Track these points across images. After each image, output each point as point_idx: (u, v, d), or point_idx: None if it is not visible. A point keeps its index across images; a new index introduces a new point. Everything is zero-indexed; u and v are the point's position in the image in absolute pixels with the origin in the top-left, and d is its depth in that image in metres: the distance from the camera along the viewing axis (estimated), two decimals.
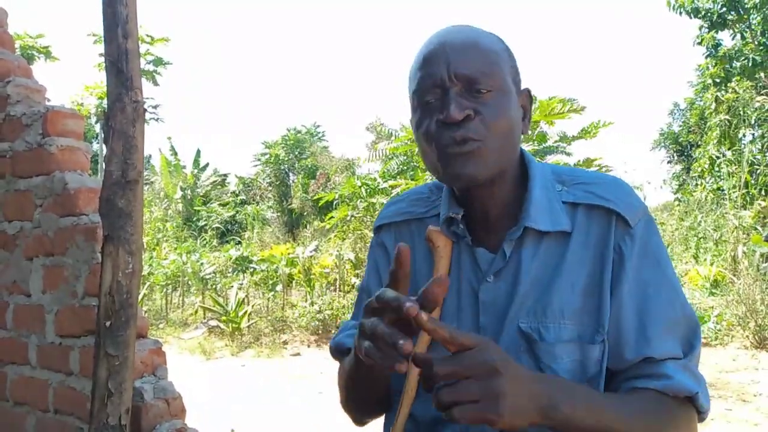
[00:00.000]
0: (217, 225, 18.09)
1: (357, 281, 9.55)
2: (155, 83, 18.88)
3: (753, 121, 11.69)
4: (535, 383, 0.76)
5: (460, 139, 0.86)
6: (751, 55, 13.65)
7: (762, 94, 12.04)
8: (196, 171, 20.91)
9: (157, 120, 19.82)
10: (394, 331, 0.71)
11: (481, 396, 0.71)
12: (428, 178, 8.84)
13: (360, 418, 1.08)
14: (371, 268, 1.09)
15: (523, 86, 0.96)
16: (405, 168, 10.43)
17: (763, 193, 9.63)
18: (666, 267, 0.92)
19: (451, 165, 0.88)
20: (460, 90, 0.87)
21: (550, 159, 8.53)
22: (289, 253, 10.35)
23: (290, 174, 21.44)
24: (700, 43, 14.62)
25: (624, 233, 0.90)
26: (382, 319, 0.73)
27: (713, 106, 12.94)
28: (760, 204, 8.49)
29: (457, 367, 0.72)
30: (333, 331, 8.18)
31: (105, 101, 1.86)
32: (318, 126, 23.19)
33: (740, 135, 11.68)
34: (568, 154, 8.98)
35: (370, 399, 1.02)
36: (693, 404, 0.89)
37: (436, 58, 0.88)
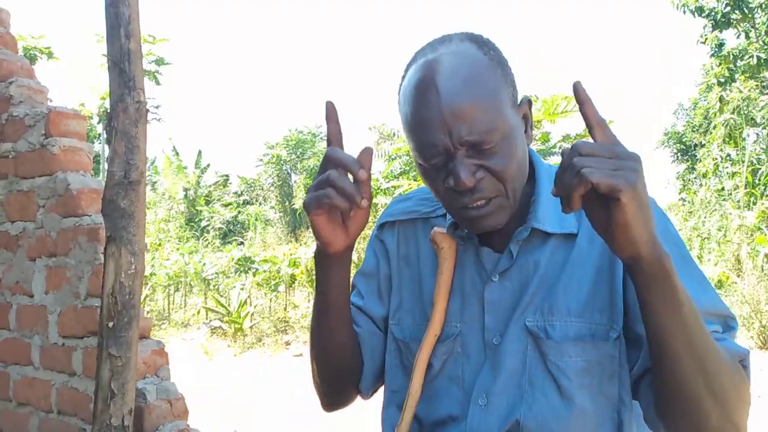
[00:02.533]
0: (220, 225, 18.10)
1: None
2: (157, 83, 18.91)
3: (758, 121, 11.66)
4: (650, 211, 0.74)
5: (475, 203, 0.85)
6: (755, 54, 13.59)
7: (767, 93, 12.01)
8: (198, 171, 20.93)
9: (159, 120, 19.85)
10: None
11: (618, 166, 0.70)
12: None
13: (329, 393, 1.06)
14: (369, 255, 1.07)
15: (522, 95, 0.92)
16: (407, 168, 10.42)
17: (767, 193, 9.60)
18: (690, 256, 0.91)
19: (472, 224, 0.88)
20: (465, 151, 0.83)
21: (552, 160, 8.51)
22: (291, 254, 10.35)
23: (292, 174, 21.44)
24: (704, 43, 14.57)
25: None
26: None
27: (717, 105, 12.90)
28: (764, 204, 8.46)
29: (600, 148, 0.72)
30: None
31: (107, 101, 1.86)
32: (320, 127, 23.20)
33: (744, 135, 11.65)
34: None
35: (335, 355, 1.00)
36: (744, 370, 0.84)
37: (435, 125, 0.83)
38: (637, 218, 0.70)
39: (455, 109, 0.82)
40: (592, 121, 0.73)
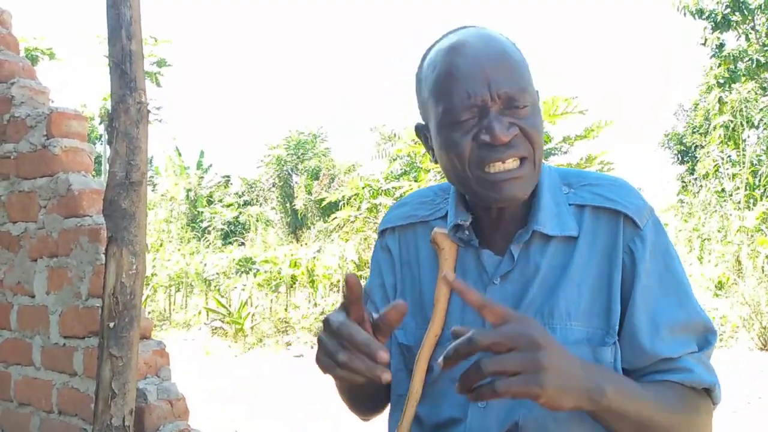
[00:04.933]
0: (221, 226, 18.12)
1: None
2: (158, 84, 18.93)
3: (756, 123, 11.68)
4: (578, 364, 0.76)
5: (508, 159, 0.85)
6: (755, 56, 13.62)
7: (767, 95, 12.02)
8: (199, 172, 20.94)
9: (160, 121, 19.87)
10: (370, 339, 0.75)
11: (524, 368, 0.71)
12: (431, 178, 8.84)
13: (365, 417, 1.11)
14: (374, 270, 1.09)
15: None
16: (408, 169, 10.44)
17: (767, 194, 9.61)
18: (676, 268, 0.92)
19: (496, 188, 0.87)
20: (500, 108, 0.85)
21: (553, 160, 8.51)
22: (292, 255, 10.36)
23: (293, 175, 21.45)
24: (704, 44, 14.59)
25: (634, 235, 0.90)
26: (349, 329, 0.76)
27: (717, 107, 12.92)
28: (764, 205, 8.47)
29: (500, 337, 0.71)
30: None
31: (109, 102, 1.86)
32: (321, 127, 23.20)
33: (744, 136, 11.66)
34: (565, 153, 8.98)
35: (368, 400, 1.04)
36: (709, 395, 0.90)
37: (474, 75, 0.84)
38: (562, 399, 0.73)
39: (495, 62, 0.85)
40: (477, 305, 0.73)
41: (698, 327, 0.91)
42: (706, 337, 0.91)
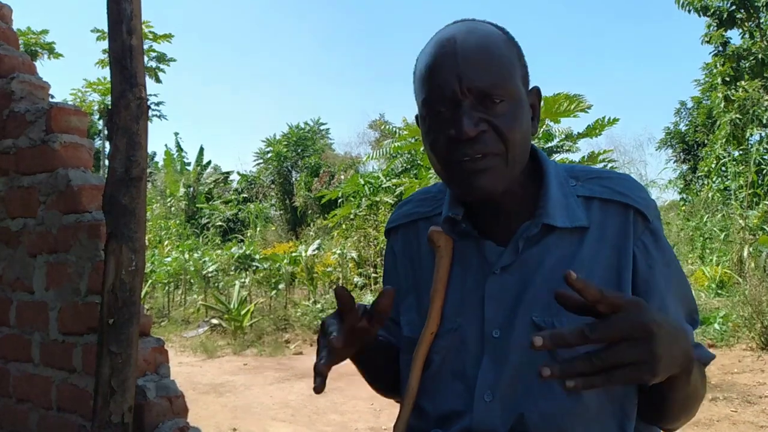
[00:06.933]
0: (220, 223, 18.12)
1: (360, 280, 9.55)
2: (158, 80, 18.92)
3: (763, 121, 11.67)
4: (681, 340, 0.75)
5: (475, 155, 0.85)
6: (759, 54, 13.56)
7: None
8: (199, 168, 20.94)
9: (160, 117, 19.87)
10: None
11: (640, 359, 0.69)
12: (432, 176, 8.83)
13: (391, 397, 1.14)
14: (385, 272, 1.12)
15: (531, 84, 0.95)
16: (409, 166, 10.44)
17: None
18: (675, 257, 0.98)
19: (465, 181, 0.87)
20: (472, 102, 0.85)
21: (556, 158, 8.51)
22: (291, 252, 10.35)
23: (293, 172, 21.44)
24: (708, 42, 14.54)
25: (645, 228, 0.92)
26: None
27: (722, 105, 12.88)
28: (767, 204, 8.47)
29: (612, 330, 0.69)
30: None
31: (108, 98, 1.85)
32: (321, 123, 23.15)
33: (748, 135, 11.65)
34: (575, 151, 8.97)
35: (388, 384, 1.09)
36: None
37: (447, 69, 0.85)
38: (665, 376, 0.73)
39: (469, 57, 0.85)
40: (593, 300, 0.71)
41: (693, 308, 0.97)
42: (693, 317, 0.97)
